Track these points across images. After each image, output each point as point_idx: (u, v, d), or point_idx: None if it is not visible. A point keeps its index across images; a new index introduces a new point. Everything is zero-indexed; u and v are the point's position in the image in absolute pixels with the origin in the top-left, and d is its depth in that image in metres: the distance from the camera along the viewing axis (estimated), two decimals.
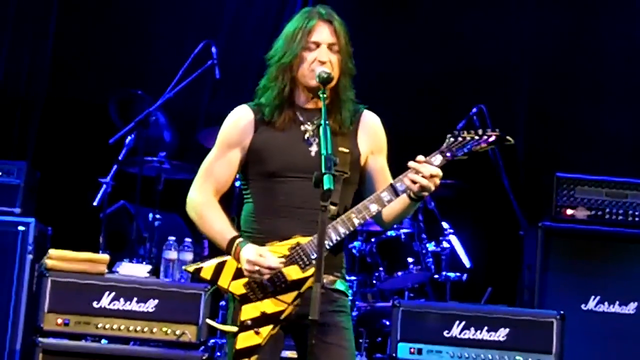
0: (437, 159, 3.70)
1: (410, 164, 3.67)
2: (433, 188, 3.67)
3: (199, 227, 3.87)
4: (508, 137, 3.74)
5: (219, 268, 3.74)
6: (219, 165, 3.86)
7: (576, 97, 7.85)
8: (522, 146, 7.61)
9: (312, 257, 3.65)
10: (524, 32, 7.96)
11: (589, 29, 7.85)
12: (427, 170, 3.64)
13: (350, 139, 3.82)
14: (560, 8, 7.92)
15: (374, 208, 3.71)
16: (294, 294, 3.68)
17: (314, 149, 3.77)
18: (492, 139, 3.72)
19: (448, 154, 3.71)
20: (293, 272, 3.68)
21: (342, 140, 3.76)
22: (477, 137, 3.72)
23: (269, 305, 3.69)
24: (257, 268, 3.64)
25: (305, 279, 3.66)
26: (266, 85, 3.83)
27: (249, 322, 3.69)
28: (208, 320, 3.96)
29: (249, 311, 3.70)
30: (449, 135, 3.73)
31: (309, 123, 3.80)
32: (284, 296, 3.68)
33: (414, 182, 3.65)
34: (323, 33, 3.79)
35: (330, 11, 3.85)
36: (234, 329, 3.70)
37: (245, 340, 3.68)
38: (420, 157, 3.69)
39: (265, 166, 3.78)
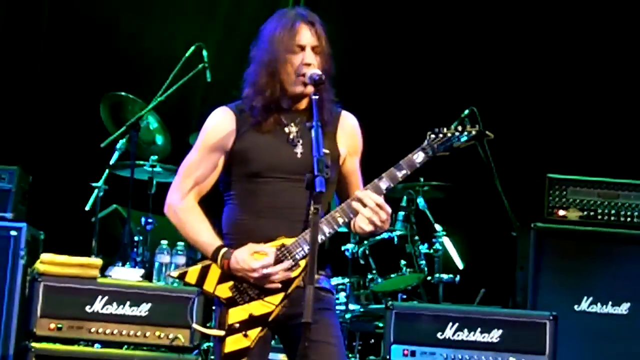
0: (419, 156, 3.71)
1: (357, 193, 3.67)
2: (377, 223, 3.63)
3: (181, 232, 3.83)
4: (487, 132, 3.75)
5: (204, 272, 3.72)
6: (201, 169, 3.83)
7: (567, 98, 7.86)
8: (514, 147, 7.61)
9: (298, 257, 3.65)
10: (514, 31, 7.97)
11: (578, 28, 7.87)
12: (370, 200, 3.63)
13: (330, 139, 3.80)
14: (549, 8, 7.95)
15: (357, 206, 3.71)
16: (281, 295, 3.68)
17: (299, 150, 3.77)
18: (472, 134, 3.74)
19: (429, 151, 3.72)
20: None
21: (323, 140, 3.75)
22: (457, 133, 3.73)
23: (256, 308, 3.68)
24: (265, 272, 3.63)
25: (292, 279, 3.66)
26: (252, 89, 3.81)
27: (237, 325, 3.67)
28: (195, 325, 3.91)
29: (236, 314, 3.68)
30: (429, 132, 3.74)
31: (292, 124, 3.80)
32: (271, 298, 3.68)
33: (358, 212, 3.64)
34: (306, 35, 3.78)
35: (310, 13, 3.85)
36: (221, 332, 3.69)
37: (234, 343, 3.67)
38: (358, 192, 3.67)
39: (249, 167, 3.76)
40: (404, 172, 3.70)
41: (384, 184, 3.68)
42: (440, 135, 3.73)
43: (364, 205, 3.62)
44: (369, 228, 3.64)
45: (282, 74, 3.75)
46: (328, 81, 3.80)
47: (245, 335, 3.66)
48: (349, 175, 3.89)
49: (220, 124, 3.84)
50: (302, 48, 3.77)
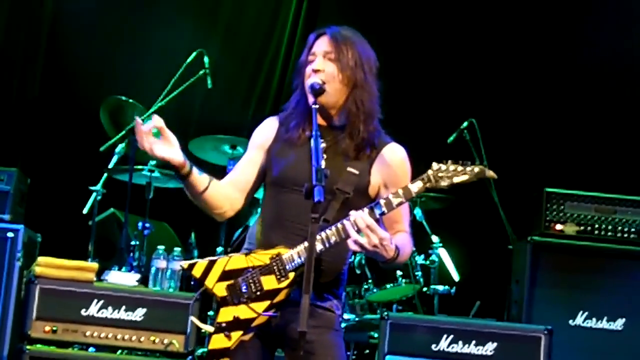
0: (417, 185, 3.65)
1: (351, 212, 3.61)
2: (366, 246, 3.55)
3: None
4: (492, 173, 3.70)
5: (209, 267, 3.76)
6: (243, 163, 3.94)
7: (567, 112, 7.88)
8: (513, 160, 7.62)
9: (288, 268, 3.67)
10: (514, 45, 7.98)
11: (578, 44, 7.89)
12: (362, 221, 3.56)
13: (365, 164, 3.80)
14: (549, 21, 7.97)
15: (348, 226, 3.65)
16: (267, 303, 3.69)
17: (322, 164, 3.76)
18: (474, 172, 3.67)
19: (428, 183, 3.67)
20: (269, 282, 3.70)
21: (355, 162, 3.77)
22: (459, 170, 3.68)
23: (242, 311, 3.71)
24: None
25: (279, 289, 3.68)
26: (290, 104, 3.91)
27: (224, 324, 3.71)
28: (192, 318, 3.97)
29: (225, 314, 3.72)
30: (434, 163, 3.69)
31: (322, 140, 3.78)
32: (257, 304, 3.70)
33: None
34: (319, 43, 3.83)
35: (334, 26, 3.88)
36: (210, 328, 3.75)
37: (217, 342, 3.71)
38: (352, 212, 3.61)
39: (272, 174, 3.83)
40: (400, 200, 3.63)
41: (378, 209, 3.63)
42: (443, 168, 3.67)
43: (355, 226, 3.58)
44: (355, 248, 3.58)
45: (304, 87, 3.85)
46: (363, 93, 3.81)
47: (228, 336, 3.69)
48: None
49: (263, 126, 3.95)
50: (315, 56, 3.83)
